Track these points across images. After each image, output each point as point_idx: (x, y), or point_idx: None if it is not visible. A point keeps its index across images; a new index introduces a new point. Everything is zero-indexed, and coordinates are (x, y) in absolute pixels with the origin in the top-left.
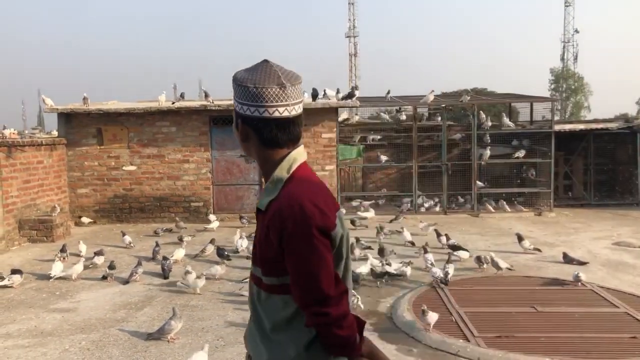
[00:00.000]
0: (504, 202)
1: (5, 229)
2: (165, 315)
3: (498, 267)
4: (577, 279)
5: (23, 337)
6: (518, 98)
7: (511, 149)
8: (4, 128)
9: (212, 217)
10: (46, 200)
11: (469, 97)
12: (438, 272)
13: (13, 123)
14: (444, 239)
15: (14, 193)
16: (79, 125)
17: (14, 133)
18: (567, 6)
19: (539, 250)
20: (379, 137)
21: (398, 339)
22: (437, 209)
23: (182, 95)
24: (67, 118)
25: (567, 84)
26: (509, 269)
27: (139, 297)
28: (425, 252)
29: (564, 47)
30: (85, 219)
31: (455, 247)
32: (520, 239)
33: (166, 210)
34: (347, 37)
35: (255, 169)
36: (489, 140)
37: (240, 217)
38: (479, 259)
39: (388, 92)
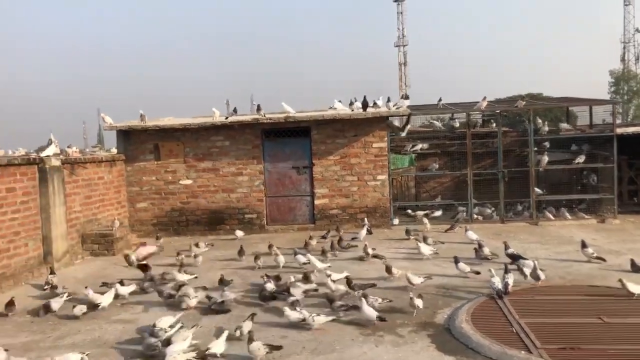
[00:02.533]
0: (564, 210)
1: (69, 243)
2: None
3: (537, 278)
4: None
5: (88, 347)
6: (576, 102)
7: (570, 154)
8: (69, 146)
9: (238, 232)
10: (107, 215)
11: (524, 103)
12: (497, 282)
13: (75, 142)
14: (485, 249)
15: (77, 208)
16: (137, 141)
17: (76, 151)
18: (627, 5)
19: (602, 259)
20: (427, 145)
21: (456, 351)
22: (494, 217)
23: (234, 110)
24: (126, 135)
25: (628, 85)
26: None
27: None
28: (457, 262)
29: (624, 47)
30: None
31: (515, 257)
32: (583, 245)
33: (221, 222)
34: (397, 46)
35: (307, 181)
36: (547, 146)
37: (255, 258)
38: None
39: (440, 100)
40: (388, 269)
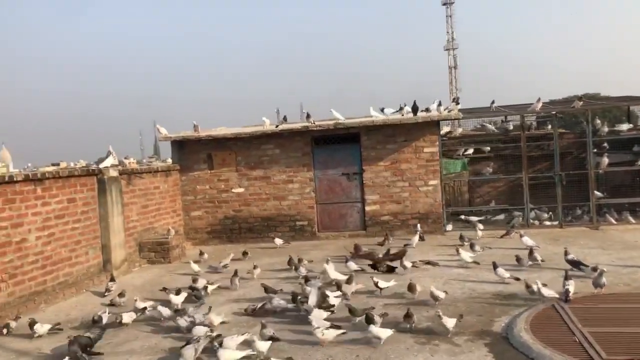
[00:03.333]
0: (627, 213)
1: (127, 251)
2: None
3: (600, 285)
4: None
5: (145, 354)
6: (637, 100)
7: (632, 155)
8: (126, 158)
9: (277, 240)
10: (163, 224)
11: (581, 103)
12: (546, 291)
13: (132, 153)
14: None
15: (134, 217)
16: (190, 151)
17: (133, 162)
18: None
19: None
20: (487, 149)
21: None
22: (551, 222)
23: (284, 118)
24: (180, 145)
25: None
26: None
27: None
28: (495, 267)
29: None
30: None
31: (575, 263)
32: None
33: (273, 229)
34: (446, 50)
35: (357, 187)
36: (607, 147)
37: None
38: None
39: (492, 102)
40: (411, 287)
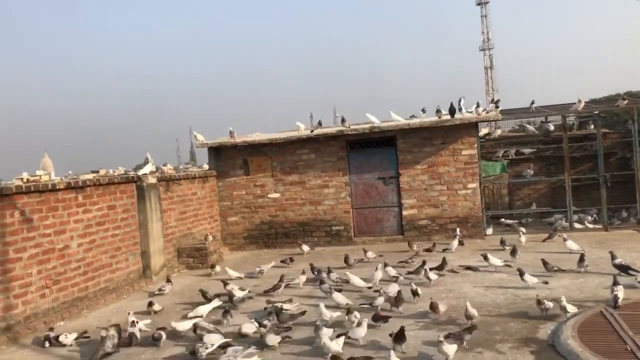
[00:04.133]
0: None
1: (166, 257)
2: None
3: None
4: None
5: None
6: None
7: None
8: (164, 164)
9: (304, 247)
10: (200, 229)
11: (625, 102)
12: (571, 308)
13: (169, 159)
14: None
15: (173, 223)
16: (227, 157)
17: (170, 169)
18: None
19: None
20: (528, 150)
21: None
22: (595, 225)
23: (319, 123)
24: (216, 151)
25: None
26: None
27: None
28: (522, 274)
29: None
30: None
31: (624, 267)
32: None
33: (309, 234)
34: (482, 50)
35: (393, 191)
36: None
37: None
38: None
39: (532, 103)
40: (433, 307)
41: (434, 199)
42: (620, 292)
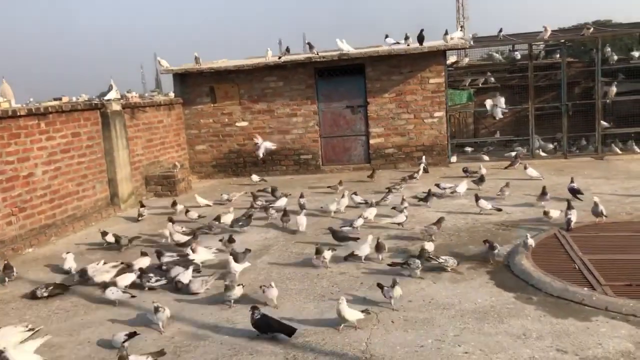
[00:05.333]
0: (633, 143)
1: (134, 185)
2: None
3: (599, 215)
4: None
5: None
6: None
7: None
8: (128, 91)
9: (254, 177)
10: (168, 158)
11: (591, 30)
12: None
13: (134, 87)
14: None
15: (139, 151)
16: (193, 84)
17: (135, 96)
18: None
19: None
20: (491, 79)
21: (517, 288)
22: (557, 152)
23: (287, 50)
24: (182, 78)
25: None
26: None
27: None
28: (477, 199)
29: None
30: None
31: (575, 191)
32: None
33: (277, 163)
34: None
35: (361, 120)
36: (622, 77)
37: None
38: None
39: (500, 31)
40: (378, 247)
41: (401, 128)
42: (574, 216)
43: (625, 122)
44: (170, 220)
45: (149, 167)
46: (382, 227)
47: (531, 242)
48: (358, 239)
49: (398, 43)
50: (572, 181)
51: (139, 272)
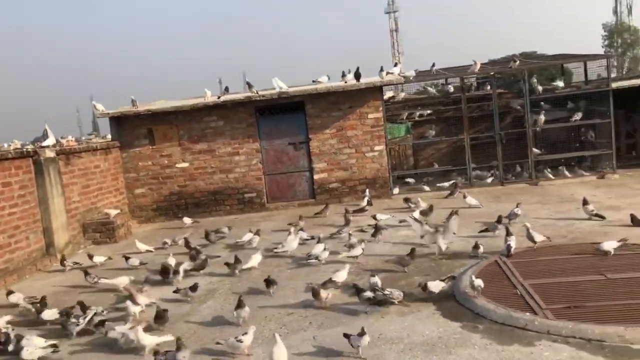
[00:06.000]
0: (564, 168)
1: (71, 233)
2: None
3: (533, 240)
4: None
5: None
6: (570, 58)
7: (567, 112)
8: (62, 137)
9: (186, 219)
10: (106, 203)
11: (517, 62)
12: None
13: (70, 131)
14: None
15: (76, 198)
16: (130, 127)
17: (71, 140)
18: None
19: (601, 217)
20: (427, 112)
21: (463, 316)
22: (492, 180)
23: (226, 89)
24: (119, 121)
25: (622, 38)
26: (548, 239)
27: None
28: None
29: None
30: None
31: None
32: (584, 202)
33: (221, 203)
34: (387, 13)
35: (304, 156)
36: (544, 106)
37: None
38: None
39: (433, 65)
40: (314, 293)
41: (343, 162)
42: (513, 242)
43: (554, 149)
44: (86, 272)
45: (86, 214)
46: (339, 261)
47: (478, 282)
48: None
49: (316, 81)
50: (517, 206)
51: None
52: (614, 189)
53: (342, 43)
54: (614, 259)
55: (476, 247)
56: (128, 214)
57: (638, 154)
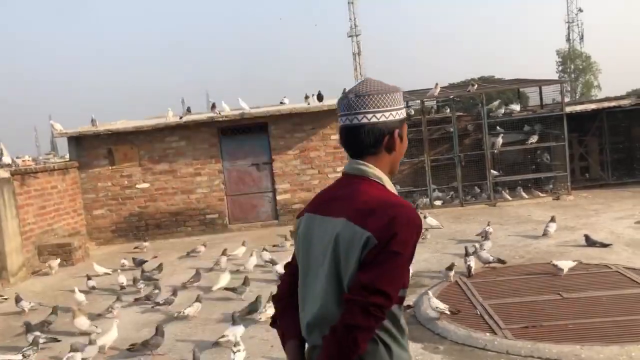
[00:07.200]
0: (521, 189)
1: (25, 256)
2: None
3: (485, 261)
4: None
5: None
6: (526, 83)
7: (524, 135)
8: (17, 157)
9: (144, 243)
10: (63, 225)
11: (475, 87)
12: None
13: (27, 150)
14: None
15: (31, 220)
16: (89, 147)
17: (27, 160)
18: None
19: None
20: None
21: (423, 337)
22: (453, 201)
23: (188, 109)
24: (78, 141)
25: (574, 64)
26: (501, 262)
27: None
28: None
29: (568, 27)
30: None
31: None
32: (552, 220)
33: (182, 224)
34: (350, 36)
35: (267, 177)
36: (499, 129)
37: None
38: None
39: None
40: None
41: (306, 183)
42: (473, 262)
43: (512, 170)
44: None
45: (42, 236)
46: None
47: (443, 307)
48: None
49: (307, 97)
50: (488, 224)
51: None
52: (569, 209)
53: (306, 66)
54: (569, 279)
55: (450, 268)
56: (86, 235)
57: (591, 176)
